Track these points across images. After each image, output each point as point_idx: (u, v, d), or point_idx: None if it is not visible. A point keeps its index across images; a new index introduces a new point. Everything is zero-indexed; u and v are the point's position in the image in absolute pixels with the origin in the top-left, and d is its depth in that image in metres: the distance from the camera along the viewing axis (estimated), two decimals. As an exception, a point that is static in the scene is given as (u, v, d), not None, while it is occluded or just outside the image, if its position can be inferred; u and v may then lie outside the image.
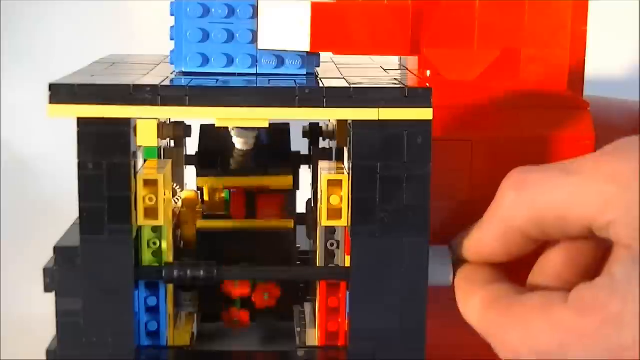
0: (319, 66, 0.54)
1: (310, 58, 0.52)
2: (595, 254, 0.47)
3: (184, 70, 0.52)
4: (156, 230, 0.51)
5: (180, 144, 0.61)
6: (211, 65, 0.51)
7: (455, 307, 0.50)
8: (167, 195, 0.51)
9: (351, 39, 0.52)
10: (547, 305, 0.45)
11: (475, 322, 0.48)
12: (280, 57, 0.52)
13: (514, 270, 0.49)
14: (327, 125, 0.61)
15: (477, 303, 0.48)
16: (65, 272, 0.49)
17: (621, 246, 0.44)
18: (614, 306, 0.43)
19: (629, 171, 0.43)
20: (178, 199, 0.58)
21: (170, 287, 0.53)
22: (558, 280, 0.47)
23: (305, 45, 0.51)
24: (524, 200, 0.46)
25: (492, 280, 0.49)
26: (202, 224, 0.56)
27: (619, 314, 0.43)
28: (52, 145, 0.89)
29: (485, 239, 0.49)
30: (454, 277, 0.51)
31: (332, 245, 0.53)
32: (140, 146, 0.51)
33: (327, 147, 0.61)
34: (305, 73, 0.52)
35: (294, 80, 0.50)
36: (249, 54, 0.52)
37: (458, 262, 0.51)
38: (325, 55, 0.55)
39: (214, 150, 0.57)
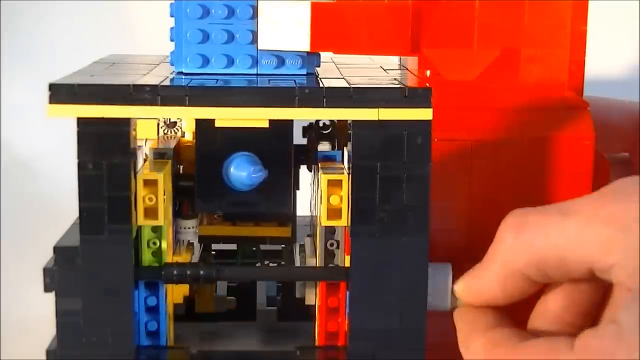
0: (319, 66, 0.54)
1: (311, 58, 0.53)
2: (596, 294, 0.47)
3: (184, 71, 0.52)
4: (156, 230, 0.51)
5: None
6: (211, 66, 0.51)
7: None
8: (167, 194, 0.51)
9: (351, 39, 0.52)
10: (553, 353, 0.45)
11: None
12: (280, 58, 0.52)
13: (515, 312, 0.49)
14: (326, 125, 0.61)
15: (479, 348, 0.47)
16: (65, 272, 0.49)
17: (623, 290, 0.44)
18: (620, 355, 0.43)
19: (628, 213, 0.43)
20: (178, 129, 0.58)
21: (171, 286, 0.53)
22: (559, 323, 0.47)
23: (305, 45, 0.51)
24: (523, 243, 0.46)
25: (494, 324, 0.48)
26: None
27: None
28: (52, 145, 0.89)
29: (485, 283, 0.48)
30: (454, 304, 0.50)
31: (332, 245, 0.53)
32: (140, 146, 0.51)
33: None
34: (305, 73, 0.52)
35: (294, 81, 0.50)
36: (249, 55, 0.52)
37: (459, 305, 0.50)
38: (325, 55, 0.55)
39: (212, 187, 0.53)
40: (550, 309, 0.48)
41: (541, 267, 0.46)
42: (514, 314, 0.49)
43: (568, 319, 0.47)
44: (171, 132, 0.58)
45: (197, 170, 0.51)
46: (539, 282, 0.47)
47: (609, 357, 0.43)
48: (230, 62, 0.52)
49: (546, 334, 0.47)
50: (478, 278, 0.49)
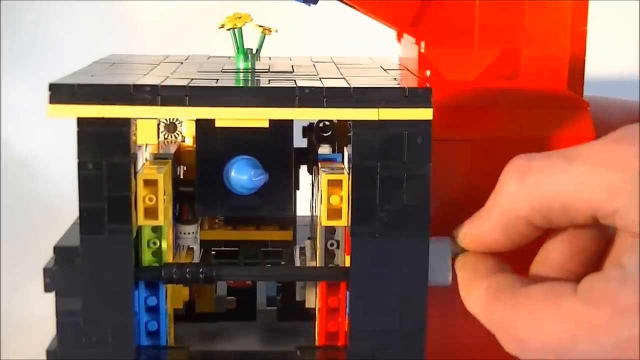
0: (316, 3, 0.53)
1: None
2: (599, 242, 0.47)
3: None
4: (156, 230, 0.51)
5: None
6: None
7: (455, 307, 0.50)
8: (167, 194, 0.51)
9: None
10: (555, 296, 0.44)
11: (480, 313, 0.47)
12: None
13: (516, 259, 0.49)
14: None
15: (481, 293, 0.47)
16: (65, 272, 0.49)
17: (629, 234, 0.44)
18: (625, 298, 0.42)
19: (635, 159, 0.43)
20: (178, 134, 0.58)
21: (171, 286, 0.53)
22: (561, 270, 0.47)
23: None
24: (527, 188, 0.46)
25: (495, 269, 0.48)
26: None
27: (631, 305, 0.42)
28: (52, 145, 0.89)
29: (488, 227, 0.48)
30: (454, 273, 0.50)
31: (332, 245, 0.53)
32: (140, 146, 0.51)
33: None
34: (302, 1, 0.51)
35: (294, 81, 0.50)
36: None
37: (460, 251, 0.50)
38: (325, 56, 0.55)
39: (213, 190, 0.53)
40: (553, 256, 0.47)
41: (545, 213, 0.46)
42: (516, 260, 0.49)
43: (570, 267, 0.47)
44: (171, 137, 0.58)
45: (198, 174, 0.51)
46: (542, 227, 0.47)
47: (613, 300, 0.43)
48: None
49: (548, 280, 0.47)
50: (480, 223, 0.48)
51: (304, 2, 0.52)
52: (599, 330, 0.43)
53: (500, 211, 0.47)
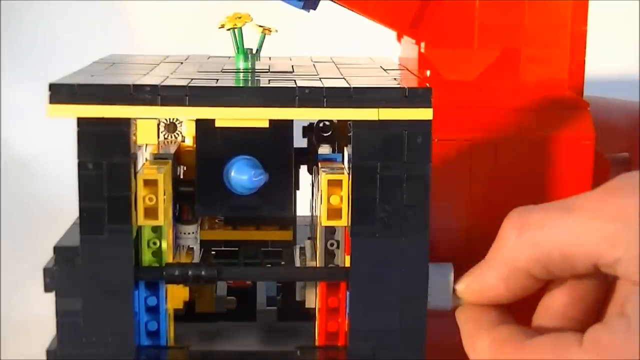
0: (315, 9, 0.53)
1: None
2: (600, 289, 0.47)
3: None
4: (156, 230, 0.51)
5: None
6: None
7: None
8: (167, 194, 0.51)
9: None
10: (561, 349, 0.45)
11: None
12: None
13: (517, 309, 0.49)
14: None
15: (485, 346, 0.47)
16: (65, 272, 0.49)
17: (630, 283, 0.44)
18: (631, 348, 0.43)
19: (633, 208, 0.43)
20: (178, 134, 0.58)
21: (171, 286, 0.53)
22: (563, 319, 0.47)
23: None
24: (527, 241, 0.46)
25: (498, 321, 0.48)
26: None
27: (637, 355, 0.43)
28: (52, 145, 0.89)
29: (489, 281, 0.48)
30: (455, 304, 0.50)
31: (332, 245, 0.53)
32: (140, 146, 0.51)
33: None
34: (301, 7, 0.52)
35: (294, 81, 0.50)
36: None
37: (462, 304, 0.50)
38: (325, 56, 0.55)
39: (213, 190, 0.53)
40: (554, 305, 0.48)
41: (545, 265, 0.46)
42: (516, 311, 0.49)
43: (572, 315, 0.47)
44: (171, 137, 0.58)
45: (198, 174, 0.51)
46: (542, 279, 0.47)
47: (620, 351, 0.43)
48: None
49: (551, 330, 0.47)
50: (481, 276, 0.49)
51: (303, 7, 0.52)
52: None
53: (501, 264, 0.47)
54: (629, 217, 0.43)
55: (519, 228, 0.47)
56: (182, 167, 0.58)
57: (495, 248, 0.48)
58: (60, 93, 0.48)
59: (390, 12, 0.52)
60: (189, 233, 0.56)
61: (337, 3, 0.54)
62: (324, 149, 0.57)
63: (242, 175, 0.50)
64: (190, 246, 0.57)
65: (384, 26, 0.55)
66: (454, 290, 0.50)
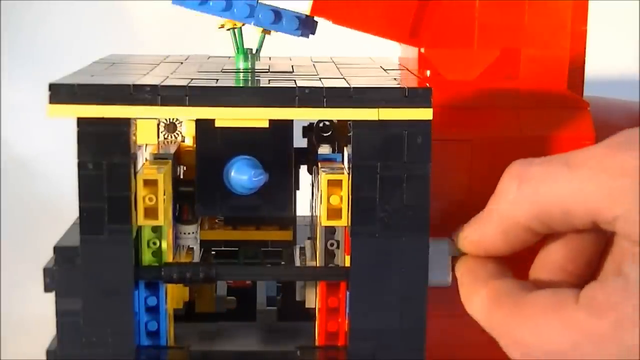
0: (314, 34, 0.53)
1: (308, 22, 0.52)
2: (598, 243, 0.47)
3: (183, 6, 0.51)
4: (156, 230, 0.51)
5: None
6: (209, 7, 0.51)
7: (456, 307, 0.50)
8: (167, 194, 0.51)
9: (352, 13, 0.51)
10: (558, 305, 0.45)
11: (482, 319, 0.47)
12: (278, 14, 0.52)
13: (515, 261, 0.49)
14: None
15: (482, 299, 0.47)
16: (65, 272, 0.49)
17: (629, 241, 0.44)
18: (628, 307, 0.43)
19: (634, 165, 0.43)
20: (178, 134, 0.58)
21: (171, 286, 0.53)
22: (561, 272, 0.47)
23: (306, 7, 0.51)
24: (527, 194, 0.46)
25: (496, 274, 0.48)
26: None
27: (633, 314, 0.42)
28: (52, 145, 0.89)
29: (487, 233, 0.48)
30: (453, 273, 0.50)
31: (332, 245, 0.53)
32: (140, 146, 0.51)
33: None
34: (300, 35, 0.52)
35: (294, 81, 0.50)
36: (248, 4, 0.51)
37: (459, 255, 0.50)
38: (325, 56, 0.55)
39: (213, 190, 0.52)
40: (553, 259, 0.47)
41: (544, 219, 0.46)
42: (515, 262, 0.49)
43: (570, 269, 0.47)
44: (171, 137, 0.58)
45: (198, 174, 0.51)
46: (541, 232, 0.47)
47: (616, 309, 0.43)
48: (229, 6, 0.51)
49: (549, 284, 0.47)
50: (479, 228, 0.49)
51: (301, 35, 0.52)
52: (602, 340, 0.43)
53: (500, 218, 0.47)
54: (631, 174, 0.43)
55: (519, 181, 0.46)
56: (182, 167, 0.58)
57: (495, 200, 0.48)
58: (60, 93, 0.48)
59: (388, 26, 0.52)
60: (189, 233, 0.56)
61: (335, 24, 0.55)
62: (324, 149, 0.57)
63: (242, 175, 0.50)
64: (190, 246, 0.57)
65: (385, 39, 0.55)
66: (452, 266, 0.50)
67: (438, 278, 0.50)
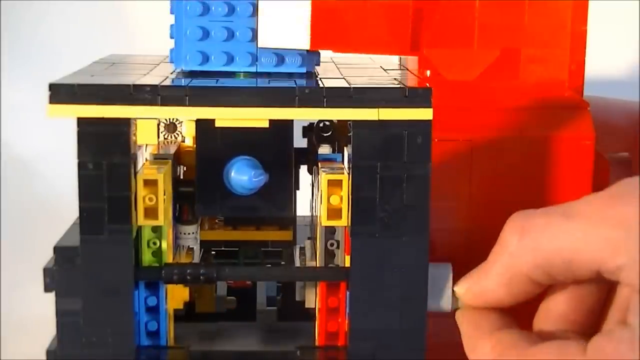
0: (319, 65, 0.54)
1: (310, 56, 0.52)
2: (601, 293, 0.47)
3: (183, 68, 0.52)
4: (156, 230, 0.51)
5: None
6: (211, 64, 0.51)
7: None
8: (167, 194, 0.51)
9: (351, 38, 0.52)
10: (564, 357, 0.44)
11: None
12: (280, 56, 0.52)
13: (518, 312, 0.49)
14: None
15: (487, 351, 0.47)
16: (65, 272, 0.49)
17: (633, 290, 0.44)
18: (635, 358, 0.43)
19: (634, 215, 0.43)
20: (178, 134, 0.59)
21: (171, 286, 0.53)
22: (565, 321, 0.47)
23: (305, 44, 0.51)
24: (528, 246, 0.46)
25: (499, 325, 0.48)
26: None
27: None
28: (52, 145, 0.89)
29: (489, 284, 0.48)
30: (455, 306, 0.50)
31: (332, 245, 0.53)
32: (140, 146, 0.51)
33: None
34: (305, 71, 0.52)
35: (294, 81, 0.50)
36: (249, 52, 0.52)
37: (462, 306, 0.50)
38: (325, 55, 0.55)
39: (213, 190, 0.52)
40: (556, 309, 0.48)
41: (546, 270, 0.46)
42: (517, 313, 0.49)
43: (573, 318, 0.47)
44: (171, 137, 0.58)
45: (198, 174, 0.51)
46: (544, 283, 0.47)
47: None
48: (230, 59, 0.52)
49: (553, 335, 0.47)
50: (481, 280, 0.48)
51: (307, 70, 0.52)
52: None
53: (502, 269, 0.47)
54: (631, 224, 0.43)
55: (520, 232, 0.46)
56: (182, 167, 0.58)
57: (496, 252, 0.48)
58: (60, 93, 0.48)
59: (388, 43, 0.52)
60: (189, 233, 0.56)
61: (336, 52, 0.55)
62: (324, 149, 0.57)
63: (242, 175, 0.50)
64: (190, 246, 0.57)
65: (387, 55, 0.55)
66: (453, 292, 0.50)
67: (439, 304, 0.51)
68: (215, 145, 0.51)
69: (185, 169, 0.58)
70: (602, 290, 0.47)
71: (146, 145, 0.53)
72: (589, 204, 0.45)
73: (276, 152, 0.51)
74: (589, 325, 0.47)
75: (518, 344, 0.47)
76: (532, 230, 0.46)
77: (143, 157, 0.53)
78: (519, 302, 0.48)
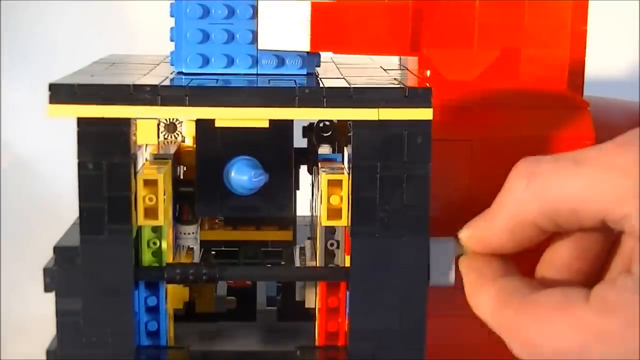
0: (319, 66, 0.54)
1: (311, 58, 0.53)
2: (605, 242, 0.47)
3: (184, 71, 0.52)
4: (156, 230, 0.51)
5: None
6: (211, 66, 0.51)
7: (456, 307, 0.50)
8: (167, 194, 0.51)
9: (351, 39, 0.52)
10: (567, 304, 0.44)
11: (488, 318, 0.47)
12: (280, 58, 0.52)
13: (521, 259, 0.49)
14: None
15: (490, 298, 0.47)
16: (65, 272, 0.49)
17: (637, 240, 0.43)
18: (638, 306, 0.42)
19: None
20: (178, 134, 0.59)
21: (171, 286, 0.53)
22: (568, 270, 0.47)
23: (305, 45, 0.51)
24: (535, 192, 0.46)
25: (502, 272, 0.48)
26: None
27: None
28: (52, 145, 0.89)
29: (494, 230, 0.48)
30: (456, 273, 0.50)
31: (332, 245, 0.53)
32: (140, 146, 0.51)
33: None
34: (305, 73, 0.52)
35: (294, 80, 0.50)
36: (249, 55, 0.52)
37: (464, 251, 0.50)
38: (325, 55, 0.55)
39: (213, 190, 0.52)
40: (560, 257, 0.47)
41: (552, 217, 0.45)
42: (520, 260, 0.49)
43: (577, 267, 0.47)
44: (171, 137, 0.58)
45: (198, 174, 0.51)
46: (549, 231, 0.47)
47: (626, 309, 0.43)
48: (231, 62, 0.52)
49: (556, 283, 0.47)
50: (485, 226, 0.48)
51: (307, 71, 0.52)
52: (612, 340, 0.43)
53: (507, 215, 0.47)
54: (638, 173, 0.43)
55: (527, 178, 0.46)
56: (182, 167, 0.58)
57: (502, 197, 0.47)
58: (60, 93, 0.48)
59: (388, 44, 0.52)
60: (189, 233, 0.56)
61: (336, 54, 0.55)
62: (324, 149, 0.57)
63: (242, 175, 0.50)
64: (190, 246, 0.57)
65: (388, 56, 0.55)
66: (456, 264, 0.50)
67: (440, 278, 0.50)
68: (215, 145, 0.51)
69: (185, 169, 0.58)
70: (607, 240, 0.47)
71: (146, 145, 0.53)
72: (597, 151, 0.45)
73: (276, 152, 0.51)
74: (593, 275, 0.47)
75: (520, 290, 0.46)
76: (539, 176, 0.46)
77: (143, 157, 0.53)
78: (522, 249, 0.48)
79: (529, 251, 0.48)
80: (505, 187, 0.47)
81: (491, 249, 0.49)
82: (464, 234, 0.49)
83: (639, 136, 0.44)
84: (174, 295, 0.54)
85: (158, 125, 0.51)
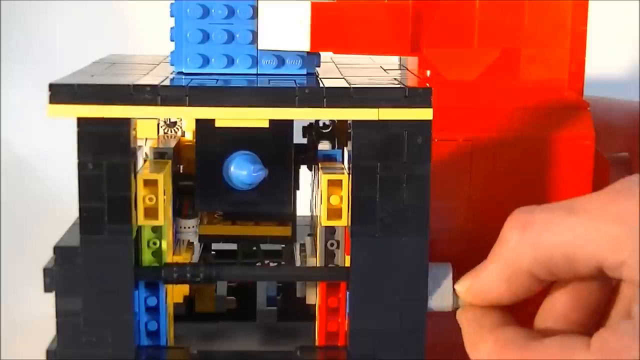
0: (319, 66, 0.54)
1: (311, 58, 0.53)
2: (602, 291, 0.47)
3: (184, 71, 0.52)
4: (156, 230, 0.51)
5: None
6: (211, 66, 0.51)
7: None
8: (167, 194, 0.51)
9: (351, 39, 0.52)
10: (569, 352, 0.44)
11: None
12: (280, 58, 0.52)
13: (519, 312, 0.49)
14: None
15: (488, 347, 0.47)
16: (65, 272, 0.49)
17: (635, 286, 0.44)
18: (639, 352, 0.42)
19: (636, 211, 0.43)
20: (178, 128, 0.59)
21: (171, 286, 0.53)
22: (566, 321, 0.47)
23: (305, 45, 0.51)
24: (529, 242, 0.46)
25: (500, 322, 0.48)
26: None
27: None
28: (52, 145, 0.89)
29: (490, 281, 0.48)
30: (456, 305, 0.50)
31: (332, 245, 0.53)
32: (140, 146, 0.51)
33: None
34: (305, 73, 0.52)
35: (294, 81, 0.50)
36: (249, 55, 0.52)
37: (462, 305, 0.50)
38: (325, 55, 0.55)
39: (212, 185, 0.52)
40: (557, 307, 0.47)
41: (548, 266, 0.46)
42: (518, 311, 0.49)
43: (575, 318, 0.47)
44: (171, 131, 0.58)
45: (198, 170, 0.52)
46: (545, 280, 0.47)
47: (628, 354, 0.43)
48: (231, 62, 0.52)
49: (554, 333, 0.47)
50: (482, 277, 0.48)
51: (307, 72, 0.52)
52: None
53: (503, 265, 0.47)
54: (633, 220, 0.43)
55: (522, 228, 0.46)
56: (182, 161, 0.58)
57: (497, 248, 0.47)
58: (60, 93, 0.48)
59: (389, 44, 0.52)
60: (189, 227, 0.56)
61: (336, 54, 0.55)
62: (324, 145, 0.57)
63: (242, 170, 0.50)
64: (190, 240, 0.57)
65: (388, 56, 0.55)
66: (453, 290, 0.50)
67: (439, 304, 0.51)
68: (215, 143, 0.51)
69: (185, 163, 0.58)
70: (605, 289, 0.47)
71: (146, 139, 0.53)
72: (590, 200, 0.45)
73: (276, 149, 0.51)
74: (590, 326, 0.47)
75: (519, 339, 0.46)
76: (534, 226, 0.46)
77: (143, 152, 0.53)
78: (519, 300, 0.48)
79: (527, 302, 0.48)
80: (500, 238, 0.47)
81: (488, 300, 0.48)
82: (461, 286, 0.49)
83: (630, 184, 0.45)
84: (174, 290, 0.54)
85: (158, 122, 0.51)
